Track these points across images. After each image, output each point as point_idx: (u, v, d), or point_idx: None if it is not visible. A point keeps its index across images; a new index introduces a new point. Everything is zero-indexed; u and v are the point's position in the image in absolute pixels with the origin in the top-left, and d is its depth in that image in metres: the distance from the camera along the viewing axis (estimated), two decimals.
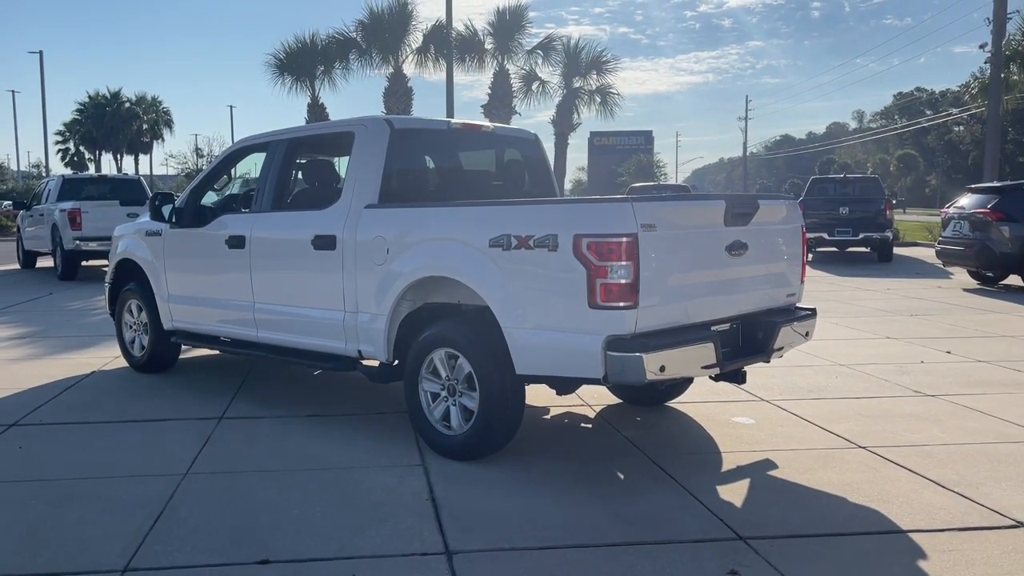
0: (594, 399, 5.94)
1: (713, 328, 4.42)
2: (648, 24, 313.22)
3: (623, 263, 3.92)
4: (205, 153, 43.73)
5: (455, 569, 3.31)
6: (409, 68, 27.23)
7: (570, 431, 5.38)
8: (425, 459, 4.67)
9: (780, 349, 4.83)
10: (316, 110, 27.33)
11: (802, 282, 5.17)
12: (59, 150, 66.00)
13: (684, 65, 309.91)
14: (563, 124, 28.44)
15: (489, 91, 27.31)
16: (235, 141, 6.47)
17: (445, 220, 4.74)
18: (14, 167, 77.20)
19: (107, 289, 7.39)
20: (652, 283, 4.02)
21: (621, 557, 3.42)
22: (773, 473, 4.47)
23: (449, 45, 23.06)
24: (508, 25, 27.05)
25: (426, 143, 5.67)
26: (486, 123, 5.93)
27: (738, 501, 4.04)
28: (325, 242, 5.18)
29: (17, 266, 18.26)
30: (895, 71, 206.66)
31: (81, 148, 66.32)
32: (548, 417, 5.64)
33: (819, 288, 13.28)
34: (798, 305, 5.19)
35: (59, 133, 66.17)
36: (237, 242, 5.80)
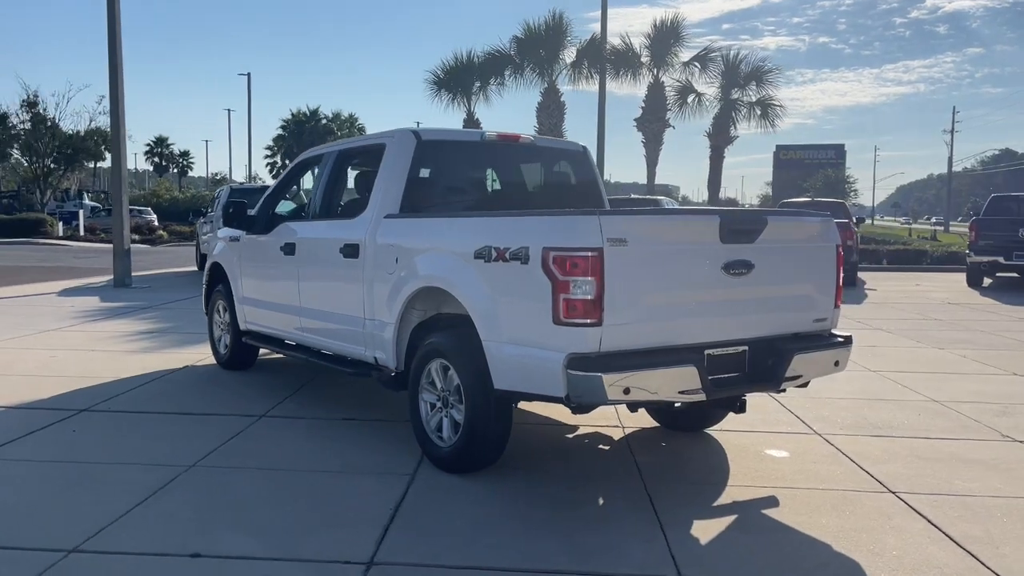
0: (629, 421, 5.69)
1: (708, 352, 4.13)
2: (851, 33, 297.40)
3: (587, 278, 3.76)
4: None
5: None
6: (563, 83, 27.46)
7: (583, 452, 5.19)
8: (419, 469, 4.68)
9: (797, 378, 4.43)
10: (471, 125, 28.09)
11: (836, 306, 4.70)
12: (267, 163, 72.44)
13: (891, 75, 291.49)
14: (718, 137, 27.52)
15: (643, 104, 26.98)
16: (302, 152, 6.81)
17: (440, 231, 4.76)
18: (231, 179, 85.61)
19: (204, 290, 7.98)
20: (622, 300, 3.82)
21: None
22: (768, 512, 4.09)
23: (602, 59, 22.97)
24: (664, 37, 26.57)
25: (457, 155, 5.68)
26: (525, 135, 5.86)
27: (705, 538, 3.74)
28: (351, 250, 5.33)
29: (195, 268, 20.08)
30: None
31: (286, 162, 72.24)
32: (571, 436, 5.48)
33: (970, 317, 12.02)
34: (833, 331, 4.73)
35: (268, 148, 72.74)
36: (289, 249, 6.09)
